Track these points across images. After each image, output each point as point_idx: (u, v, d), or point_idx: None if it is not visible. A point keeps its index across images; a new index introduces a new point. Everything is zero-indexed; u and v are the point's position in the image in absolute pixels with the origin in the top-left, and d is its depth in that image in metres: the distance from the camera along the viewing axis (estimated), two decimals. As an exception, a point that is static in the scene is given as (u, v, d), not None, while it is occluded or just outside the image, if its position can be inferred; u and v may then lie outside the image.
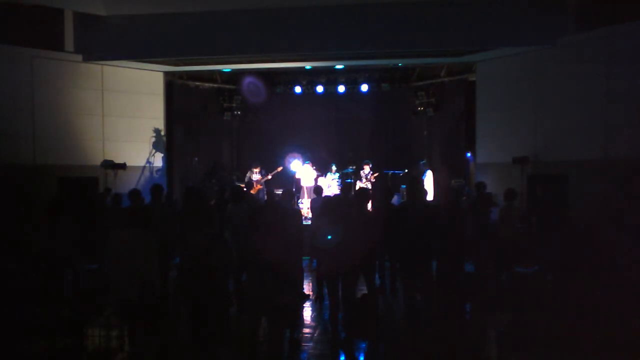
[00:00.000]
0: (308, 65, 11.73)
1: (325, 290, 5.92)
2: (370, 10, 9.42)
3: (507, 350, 5.32)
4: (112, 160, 10.38)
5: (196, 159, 12.53)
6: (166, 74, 11.55)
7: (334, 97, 13.34)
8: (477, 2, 9.20)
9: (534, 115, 9.68)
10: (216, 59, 10.84)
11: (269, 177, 11.87)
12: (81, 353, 5.10)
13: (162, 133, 11.41)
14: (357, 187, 11.10)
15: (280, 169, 11.96)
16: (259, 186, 11.68)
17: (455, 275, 5.47)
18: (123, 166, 10.42)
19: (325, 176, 12.41)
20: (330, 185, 12.08)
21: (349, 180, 12.29)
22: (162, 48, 9.99)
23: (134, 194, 7.02)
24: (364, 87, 12.96)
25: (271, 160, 12.79)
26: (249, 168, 12.01)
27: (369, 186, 11.59)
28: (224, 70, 12.07)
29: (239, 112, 13.70)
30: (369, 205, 6.71)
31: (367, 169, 11.98)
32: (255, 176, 11.83)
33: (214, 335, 4.35)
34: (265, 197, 11.43)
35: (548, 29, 9.05)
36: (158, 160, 11.35)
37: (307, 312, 6.73)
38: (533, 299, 6.20)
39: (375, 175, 11.92)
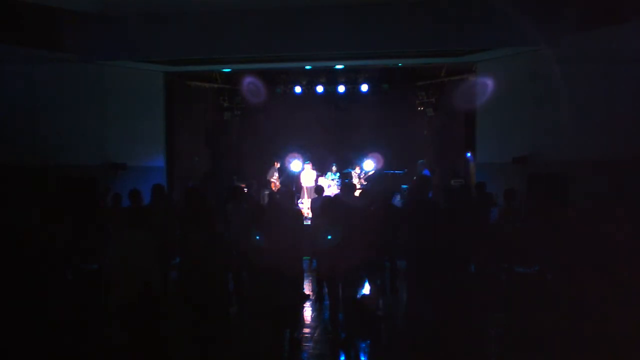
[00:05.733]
0: (308, 65, 11.73)
1: (325, 290, 5.93)
2: (370, 10, 9.41)
3: (507, 350, 5.32)
4: (112, 160, 10.37)
5: (196, 159, 12.53)
6: (166, 74, 11.54)
7: (334, 97, 13.34)
8: (477, 2, 9.19)
9: (534, 115, 9.67)
10: (216, 59, 10.84)
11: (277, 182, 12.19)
12: (81, 353, 5.10)
13: (162, 133, 11.41)
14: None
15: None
16: (277, 184, 11.94)
17: (459, 275, 5.48)
18: (123, 166, 10.41)
19: (325, 176, 12.44)
20: (330, 185, 12.11)
21: (348, 181, 12.33)
22: (162, 48, 9.98)
23: (134, 194, 7.02)
24: (364, 87, 12.96)
25: (272, 160, 12.84)
26: (263, 164, 12.55)
27: (361, 185, 11.84)
28: (224, 70, 12.07)
29: (239, 112, 13.71)
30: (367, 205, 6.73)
31: (357, 169, 12.33)
32: (276, 174, 12.16)
33: (214, 336, 4.35)
34: (267, 197, 11.49)
35: (548, 29, 9.03)
36: (158, 160, 11.34)
37: (307, 312, 6.73)
38: (533, 299, 6.21)
39: (370, 174, 12.17)
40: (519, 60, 9.92)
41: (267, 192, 11.80)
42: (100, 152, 10.43)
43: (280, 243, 4.87)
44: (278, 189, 11.50)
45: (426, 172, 11.29)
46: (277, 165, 12.56)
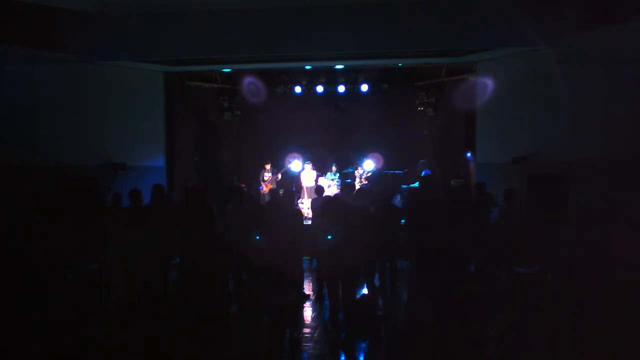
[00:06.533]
0: (308, 65, 11.74)
1: (325, 290, 5.92)
2: (370, 10, 9.41)
3: (507, 350, 5.32)
4: (112, 160, 10.37)
5: (196, 159, 12.52)
6: (166, 74, 11.54)
7: (334, 97, 13.34)
8: (477, 2, 9.20)
9: (534, 116, 9.67)
10: (216, 59, 10.84)
11: (279, 176, 12.10)
12: (81, 353, 5.11)
13: (162, 133, 11.41)
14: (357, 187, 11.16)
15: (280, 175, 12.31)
16: (269, 185, 11.84)
17: (459, 275, 5.49)
18: (123, 166, 10.41)
19: (325, 176, 12.45)
20: (330, 185, 12.12)
21: (348, 181, 12.34)
22: (162, 48, 9.98)
23: (134, 194, 7.01)
24: (364, 87, 12.96)
25: (272, 160, 12.83)
26: (261, 166, 12.41)
27: (360, 185, 11.82)
28: (224, 70, 12.07)
29: (239, 112, 13.72)
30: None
31: (359, 169, 12.35)
32: (267, 174, 12.07)
33: (214, 336, 4.35)
34: (268, 197, 11.49)
35: (548, 29, 9.04)
36: (158, 160, 11.34)
37: (307, 312, 6.73)
38: (533, 299, 6.21)
39: (369, 174, 12.13)
40: (519, 60, 9.92)
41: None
42: (100, 152, 10.42)
43: (280, 243, 4.87)
44: (270, 190, 11.46)
45: (427, 171, 11.31)
46: (268, 166, 12.43)
